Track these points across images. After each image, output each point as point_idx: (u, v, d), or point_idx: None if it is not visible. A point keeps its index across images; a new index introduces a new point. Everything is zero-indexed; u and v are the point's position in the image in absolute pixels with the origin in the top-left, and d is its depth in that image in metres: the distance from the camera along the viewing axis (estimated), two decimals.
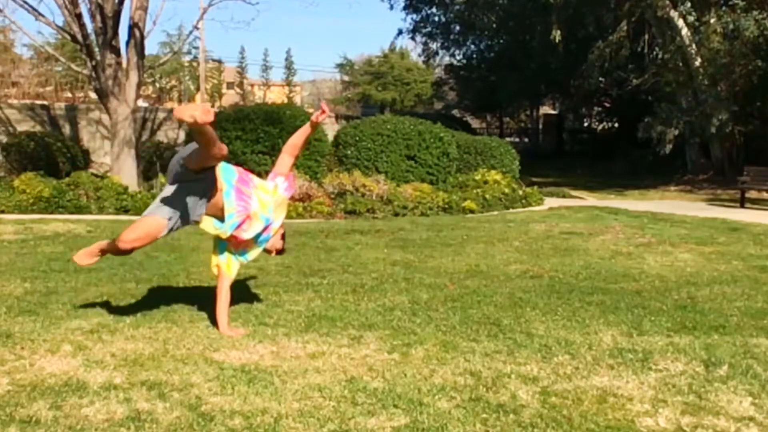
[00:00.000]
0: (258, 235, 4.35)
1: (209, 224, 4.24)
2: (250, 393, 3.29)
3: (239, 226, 4.23)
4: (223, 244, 4.37)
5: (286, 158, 4.54)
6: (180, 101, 46.02)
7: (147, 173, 14.06)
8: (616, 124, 31.83)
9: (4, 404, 3.11)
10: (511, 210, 12.06)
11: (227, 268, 4.41)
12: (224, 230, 4.22)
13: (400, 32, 36.88)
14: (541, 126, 37.78)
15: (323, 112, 4.37)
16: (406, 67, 45.62)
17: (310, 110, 26.05)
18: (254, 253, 4.51)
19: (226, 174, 4.17)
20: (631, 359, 3.85)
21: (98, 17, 12.11)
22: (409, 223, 9.88)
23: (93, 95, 19.96)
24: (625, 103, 25.16)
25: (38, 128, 15.89)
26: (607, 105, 30.67)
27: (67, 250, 7.03)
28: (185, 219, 4.13)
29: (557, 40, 19.23)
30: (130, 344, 3.98)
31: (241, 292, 5.28)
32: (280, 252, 4.68)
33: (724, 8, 17.34)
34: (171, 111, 19.82)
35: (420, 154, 13.34)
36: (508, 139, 28.82)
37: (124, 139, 12.43)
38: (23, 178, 10.71)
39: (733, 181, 15.89)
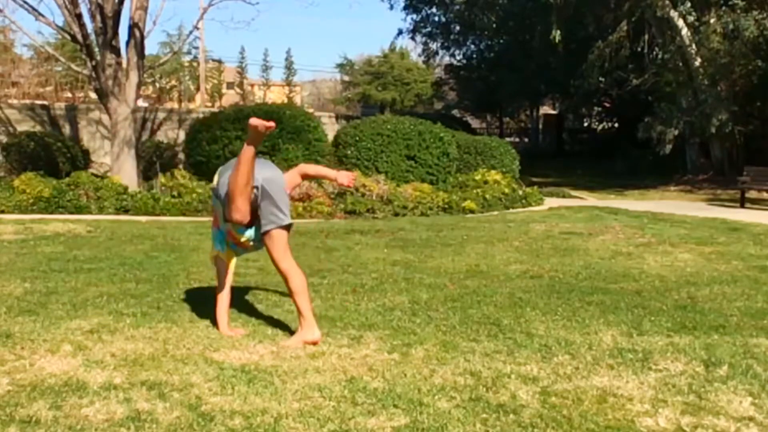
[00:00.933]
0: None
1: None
2: (250, 393, 3.29)
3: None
4: (222, 236, 4.37)
5: (296, 177, 4.65)
6: (180, 101, 46.00)
7: (147, 173, 14.06)
8: (616, 124, 31.84)
9: (4, 404, 3.11)
10: (511, 210, 12.06)
11: (228, 258, 4.41)
12: (250, 238, 4.25)
13: (400, 32, 36.90)
14: (541, 126, 37.79)
15: (350, 183, 4.60)
16: (406, 67, 45.57)
17: (311, 110, 26.06)
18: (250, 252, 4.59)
19: None
20: (631, 359, 3.85)
21: (98, 17, 12.11)
22: (409, 223, 9.88)
23: (93, 95, 19.94)
24: (625, 103, 25.15)
25: (38, 128, 15.87)
26: (607, 105, 30.67)
27: (67, 250, 7.04)
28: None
29: (557, 40, 19.22)
30: (130, 344, 3.98)
31: (242, 292, 5.29)
32: None
33: (724, 8, 17.33)
34: (171, 111, 19.83)
35: (420, 154, 13.34)
36: (508, 139, 28.82)
37: (124, 139, 12.43)
38: (23, 178, 10.72)
39: (733, 181, 15.88)
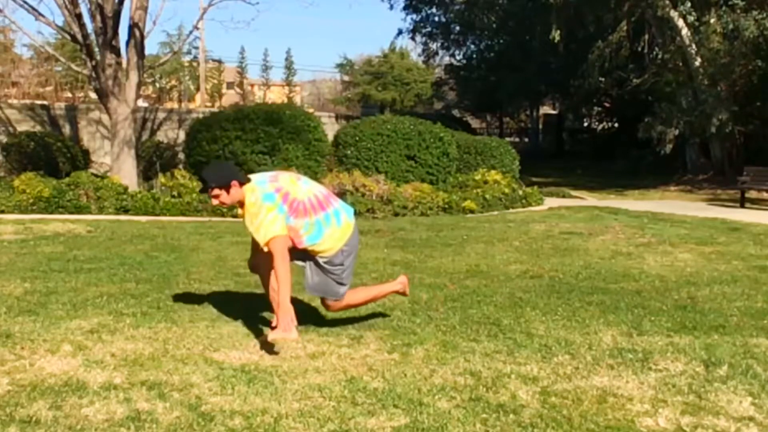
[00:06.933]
0: None
1: None
2: (250, 393, 3.29)
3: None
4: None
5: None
6: (180, 101, 46.01)
7: (147, 173, 14.06)
8: (616, 124, 31.81)
9: (4, 404, 3.11)
10: (511, 210, 12.05)
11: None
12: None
13: (400, 32, 36.97)
14: (541, 126, 37.77)
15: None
16: (406, 67, 45.53)
17: (311, 110, 26.11)
18: None
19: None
20: (631, 359, 3.85)
21: (98, 17, 12.10)
22: (409, 223, 9.88)
23: (93, 95, 19.95)
24: (625, 103, 25.13)
25: (38, 128, 15.86)
26: (607, 105, 30.65)
27: (67, 250, 7.04)
28: None
29: (557, 40, 19.22)
30: (130, 344, 3.98)
31: (241, 292, 5.29)
32: None
33: (724, 8, 17.32)
34: (171, 111, 19.84)
35: (420, 154, 13.34)
36: (508, 139, 28.79)
37: (124, 139, 12.42)
38: (23, 178, 10.71)
39: (733, 181, 15.86)
